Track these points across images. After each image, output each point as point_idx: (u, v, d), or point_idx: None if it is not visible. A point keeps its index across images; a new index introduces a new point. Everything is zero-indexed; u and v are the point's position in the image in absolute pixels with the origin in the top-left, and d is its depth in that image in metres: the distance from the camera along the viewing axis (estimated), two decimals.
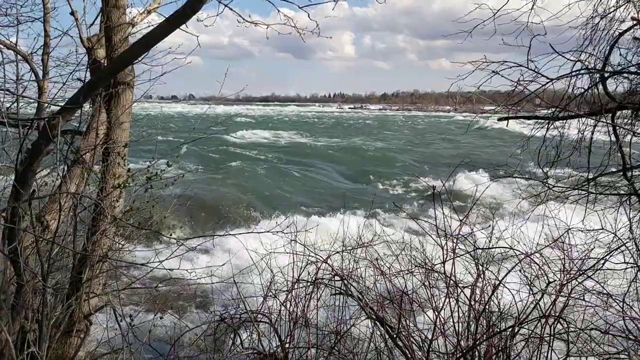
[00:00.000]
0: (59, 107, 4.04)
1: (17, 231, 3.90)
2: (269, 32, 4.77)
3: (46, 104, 5.07)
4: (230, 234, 6.30)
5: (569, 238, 4.40)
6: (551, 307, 3.92)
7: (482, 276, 4.22)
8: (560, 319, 3.90)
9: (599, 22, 5.41)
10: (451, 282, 4.17)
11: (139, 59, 4.38)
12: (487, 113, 5.70)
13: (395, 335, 4.20)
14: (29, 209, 4.10)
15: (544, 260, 4.21)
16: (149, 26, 5.51)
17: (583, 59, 5.14)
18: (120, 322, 4.43)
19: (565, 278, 4.04)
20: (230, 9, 4.13)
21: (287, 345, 4.32)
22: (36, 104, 5.25)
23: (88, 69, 5.33)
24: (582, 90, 5.20)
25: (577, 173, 5.68)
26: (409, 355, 4.10)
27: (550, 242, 4.35)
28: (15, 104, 4.99)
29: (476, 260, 4.32)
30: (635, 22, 5.04)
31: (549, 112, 5.44)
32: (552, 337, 3.90)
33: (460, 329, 4.14)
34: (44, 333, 3.93)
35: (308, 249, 4.68)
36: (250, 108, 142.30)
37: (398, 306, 4.29)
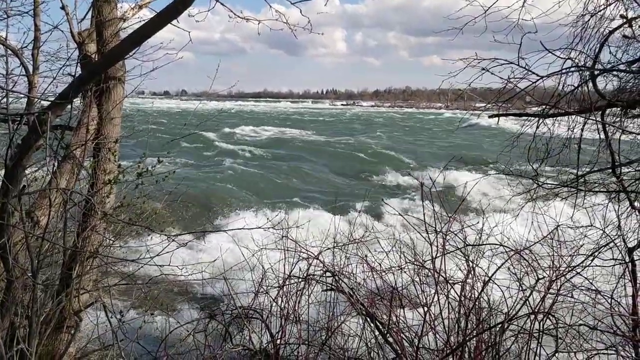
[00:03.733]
0: (49, 102, 4.00)
1: (7, 227, 3.86)
2: (260, 28, 4.75)
3: (36, 99, 5.02)
4: (221, 230, 6.29)
5: (559, 235, 4.44)
6: (540, 303, 3.95)
7: (472, 272, 4.24)
8: (549, 315, 3.93)
9: (589, 20, 5.44)
10: (441, 278, 4.19)
11: (130, 54, 4.35)
12: (478, 110, 5.72)
13: (385, 332, 4.22)
14: (18, 204, 4.07)
15: (533, 257, 4.24)
16: (140, 21, 5.46)
17: (573, 56, 5.16)
18: (110, 318, 4.41)
19: (555, 274, 4.07)
20: (222, 4, 4.11)
21: (278, 342, 4.33)
22: (26, 99, 5.20)
23: (79, 64, 5.28)
24: (572, 88, 5.22)
25: (566, 170, 5.72)
26: (399, 351, 4.12)
27: (540, 239, 4.38)
28: (5, 99, 4.96)
29: (466, 257, 4.34)
30: (624, 20, 5.07)
31: (539, 109, 5.46)
32: (541, 333, 3.93)
33: (450, 325, 4.16)
34: (34, 329, 3.90)
35: (299, 245, 4.69)
36: (243, 104, 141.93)
37: (388, 302, 4.31)
